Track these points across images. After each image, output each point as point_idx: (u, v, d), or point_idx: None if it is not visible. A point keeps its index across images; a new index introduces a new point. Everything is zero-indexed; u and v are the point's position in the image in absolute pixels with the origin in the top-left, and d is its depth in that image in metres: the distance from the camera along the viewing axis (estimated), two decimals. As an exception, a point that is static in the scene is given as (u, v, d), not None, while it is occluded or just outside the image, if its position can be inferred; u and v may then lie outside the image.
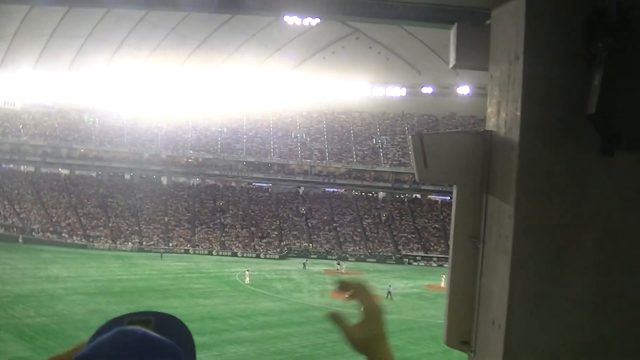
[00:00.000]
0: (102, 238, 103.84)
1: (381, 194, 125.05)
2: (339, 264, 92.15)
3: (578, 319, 4.48)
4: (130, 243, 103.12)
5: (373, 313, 2.52)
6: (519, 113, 4.51)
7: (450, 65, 6.21)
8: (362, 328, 2.49)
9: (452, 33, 6.09)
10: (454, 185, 5.35)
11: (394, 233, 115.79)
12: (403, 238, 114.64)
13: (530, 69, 4.51)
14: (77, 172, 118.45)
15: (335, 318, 2.52)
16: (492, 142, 5.04)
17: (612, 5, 4.05)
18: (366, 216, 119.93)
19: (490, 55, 5.43)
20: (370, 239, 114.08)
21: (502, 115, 4.90)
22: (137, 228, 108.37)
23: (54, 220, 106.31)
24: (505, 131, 4.79)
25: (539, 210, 4.47)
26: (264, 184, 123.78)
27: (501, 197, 4.76)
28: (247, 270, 75.14)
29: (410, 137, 5.35)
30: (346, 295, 2.60)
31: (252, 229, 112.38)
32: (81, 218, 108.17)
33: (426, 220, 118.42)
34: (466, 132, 5.51)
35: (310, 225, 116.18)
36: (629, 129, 3.96)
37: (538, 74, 4.51)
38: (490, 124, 5.16)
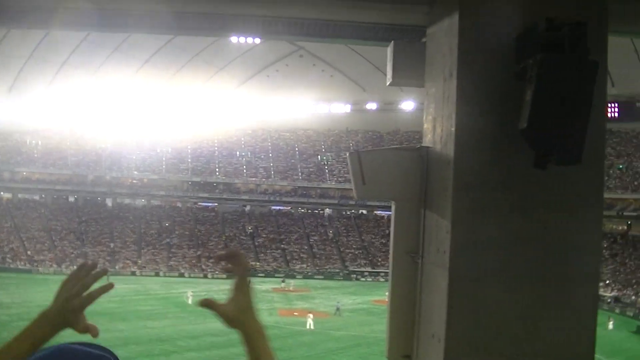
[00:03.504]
0: (47, 262, 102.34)
1: (327, 211, 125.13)
2: (283, 281, 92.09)
3: (516, 330, 4.54)
4: (75, 266, 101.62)
5: (242, 287, 2.69)
6: (453, 129, 4.57)
7: (388, 83, 6.27)
8: (232, 303, 2.65)
9: (389, 50, 6.15)
10: (392, 202, 5.40)
11: (341, 249, 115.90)
12: (350, 254, 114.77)
13: (463, 86, 4.58)
14: (20, 195, 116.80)
15: (207, 303, 2.64)
16: (428, 157, 5.11)
17: (542, 22, 4.13)
18: (313, 233, 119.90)
19: (426, 72, 5.50)
20: (318, 256, 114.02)
21: (437, 131, 4.97)
22: (82, 251, 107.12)
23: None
24: (441, 147, 4.85)
25: (475, 224, 4.52)
26: (210, 204, 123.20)
27: (438, 212, 4.81)
28: (190, 292, 74.55)
29: (348, 154, 5.39)
30: (223, 264, 2.78)
31: (199, 249, 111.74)
32: (25, 242, 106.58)
33: (373, 236, 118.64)
34: (403, 148, 5.57)
35: (257, 244, 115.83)
36: (561, 143, 4.03)
37: (472, 90, 4.58)
38: (427, 140, 5.23)
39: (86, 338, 2.49)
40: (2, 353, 2.48)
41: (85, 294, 2.65)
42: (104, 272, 2.78)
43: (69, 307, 2.62)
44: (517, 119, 4.18)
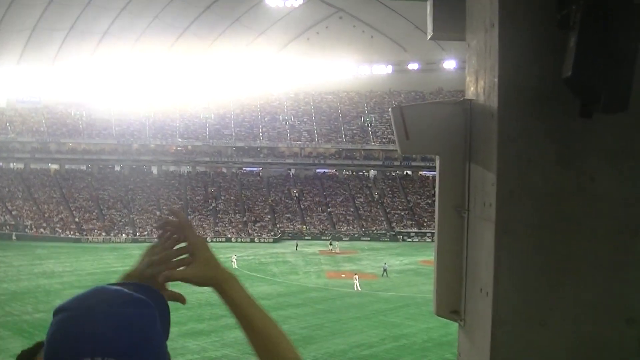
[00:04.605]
0: (95, 231, 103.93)
1: (372, 173, 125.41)
2: (331, 244, 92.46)
3: (564, 283, 4.50)
4: (124, 234, 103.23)
5: (196, 244, 2.61)
6: (496, 80, 4.51)
7: (428, 37, 6.21)
8: (195, 263, 2.58)
9: (429, 4, 6.09)
10: (437, 156, 5.36)
11: (387, 211, 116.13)
12: (396, 215, 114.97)
13: (505, 36, 4.50)
14: (67, 166, 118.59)
15: (168, 276, 2.55)
16: (472, 110, 5.04)
17: (584, -33, 4.04)
18: (358, 195, 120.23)
19: (467, 24, 5.42)
20: (364, 217, 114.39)
21: (480, 84, 4.90)
22: (130, 219, 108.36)
23: (46, 215, 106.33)
24: (484, 99, 4.79)
25: (521, 176, 4.47)
26: (255, 168, 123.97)
27: (484, 165, 4.76)
28: (234, 256, 75.32)
29: (390, 110, 5.35)
30: (168, 235, 2.69)
31: (245, 214, 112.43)
32: (73, 212, 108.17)
33: (418, 197, 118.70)
34: (446, 102, 5.51)
35: (302, 207, 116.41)
36: (607, 90, 3.95)
37: (514, 40, 4.51)
38: (470, 93, 5.16)
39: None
40: None
41: (165, 272, 2.55)
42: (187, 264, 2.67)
43: (148, 274, 2.59)
44: (561, 67, 4.09)
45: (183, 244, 2.65)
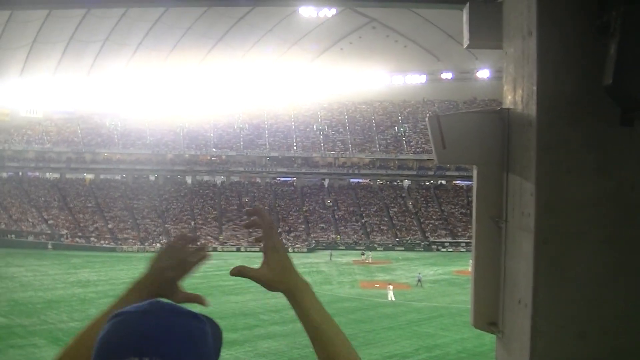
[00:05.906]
0: (130, 240, 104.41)
1: (406, 182, 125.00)
2: (363, 254, 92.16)
3: (604, 294, 4.42)
4: (158, 244, 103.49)
5: (273, 246, 2.65)
6: (535, 88, 4.45)
7: (465, 46, 6.14)
8: (266, 264, 2.61)
9: (465, 12, 6.03)
10: (474, 166, 5.30)
11: (421, 220, 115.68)
12: (430, 225, 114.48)
13: (543, 44, 4.45)
14: (101, 176, 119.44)
15: (238, 271, 2.61)
16: (509, 119, 4.99)
17: (624, -27, 3.97)
18: (392, 205, 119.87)
19: (504, 32, 5.37)
20: (398, 227, 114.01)
21: (518, 92, 4.84)
22: (164, 228, 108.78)
23: (81, 225, 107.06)
24: (522, 108, 4.73)
25: (560, 186, 4.41)
26: (289, 178, 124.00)
27: (522, 174, 4.70)
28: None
29: (427, 118, 5.30)
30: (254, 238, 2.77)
31: (279, 223, 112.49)
32: (108, 221, 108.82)
33: (452, 206, 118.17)
34: (484, 111, 5.44)
35: (336, 217, 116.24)
36: (648, 98, 3.88)
37: (552, 48, 4.45)
38: (507, 102, 5.11)
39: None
40: (98, 321, 2.50)
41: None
42: (204, 252, 2.75)
43: (164, 278, 2.63)
44: (601, 75, 4.03)
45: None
